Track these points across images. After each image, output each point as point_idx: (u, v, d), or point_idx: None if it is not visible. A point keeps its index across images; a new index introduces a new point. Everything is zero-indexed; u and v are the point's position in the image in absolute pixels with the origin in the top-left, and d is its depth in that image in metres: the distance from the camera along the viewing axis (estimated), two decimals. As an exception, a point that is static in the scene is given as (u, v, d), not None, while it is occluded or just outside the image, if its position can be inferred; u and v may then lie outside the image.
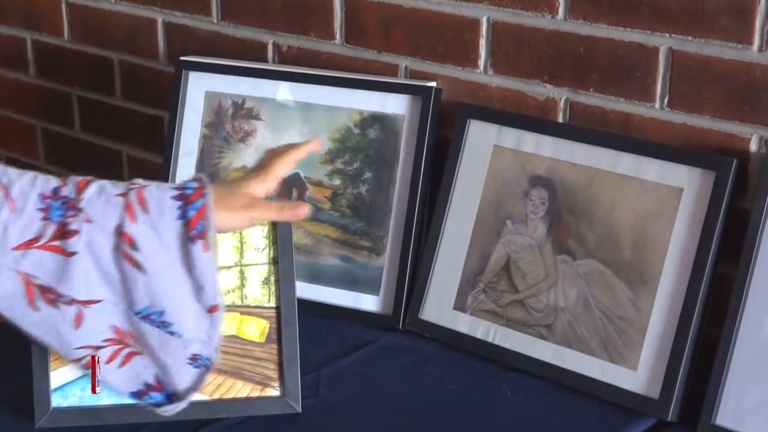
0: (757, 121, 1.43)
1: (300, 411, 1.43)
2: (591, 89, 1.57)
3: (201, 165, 1.83)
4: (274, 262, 1.45)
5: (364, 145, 1.73)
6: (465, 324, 1.61)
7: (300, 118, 1.76)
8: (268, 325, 1.45)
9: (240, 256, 1.45)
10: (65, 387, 1.40)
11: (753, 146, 1.44)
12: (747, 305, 1.39)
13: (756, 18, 1.40)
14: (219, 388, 1.43)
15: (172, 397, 1.31)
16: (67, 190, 1.26)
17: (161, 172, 1.85)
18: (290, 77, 1.77)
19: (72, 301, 1.25)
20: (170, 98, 1.85)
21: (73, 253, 1.23)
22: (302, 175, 1.75)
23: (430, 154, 1.67)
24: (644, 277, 1.47)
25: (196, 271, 1.25)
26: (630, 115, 1.54)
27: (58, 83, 2.25)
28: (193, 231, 1.24)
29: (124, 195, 1.25)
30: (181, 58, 1.86)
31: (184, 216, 1.24)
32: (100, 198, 1.25)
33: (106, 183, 1.28)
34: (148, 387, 1.31)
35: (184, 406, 1.32)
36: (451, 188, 1.65)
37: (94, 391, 1.33)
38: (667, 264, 1.46)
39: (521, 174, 1.59)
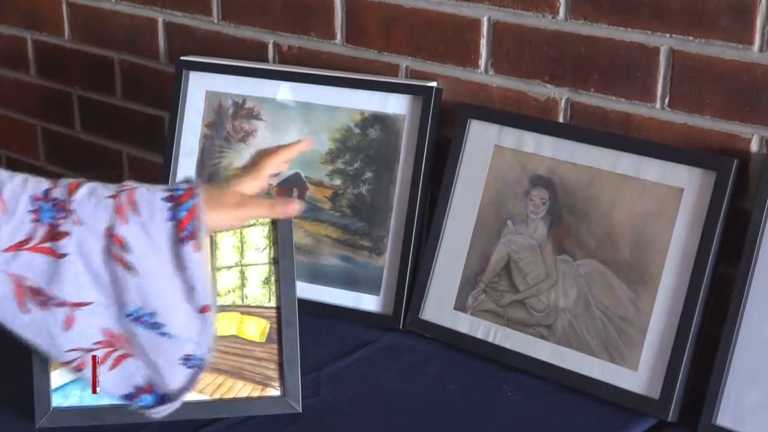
0: (758, 121, 1.43)
1: (300, 411, 1.43)
2: (592, 89, 1.57)
3: (201, 165, 1.83)
4: (275, 262, 1.45)
5: (365, 145, 1.73)
6: (465, 324, 1.61)
7: (300, 118, 1.76)
8: (269, 325, 1.45)
9: (240, 256, 1.45)
10: (66, 387, 1.40)
11: (753, 146, 1.44)
12: (747, 305, 1.39)
13: (757, 18, 1.40)
14: (219, 388, 1.43)
15: (163, 399, 1.31)
16: (58, 192, 1.25)
17: (161, 172, 1.85)
18: (291, 77, 1.77)
19: (62, 304, 1.24)
20: (171, 98, 1.85)
21: (63, 255, 1.23)
22: (303, 175, 1.75)
23: (431, 154, 1.67)
24: (645, 278, 1.47)
25: (187, 271, 1.25)
26: (631, 115, 1.54)
27: (58, 83, 2.25)
28: (183, 232, 1.24)
29: (114, 197, 1.25)
30: (182, 57, 1.86)
31: (174, 217, 1.24)
32: (91, 200, 1.25)
33: (97, 185, 1.28)
34: (139, 390, 1.31)
35: (177, 407, 1.31)
36: (452, 188, 1.65)
37: (94, 391, 1.33)
38: (667, 264, 1.46)
39: (522, 174, 1.59)
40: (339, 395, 1.49)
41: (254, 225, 1.44)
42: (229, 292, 1.44)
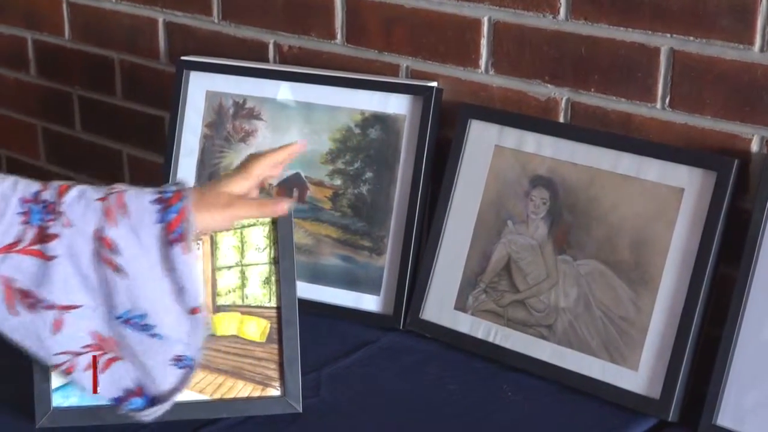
0: (758, 121, 1.43)
1: (301, 411, 1.43)
2: (592, 89, 1.57)
3: (202, 165, 1.83)
4: (275, 261, 1.45)
5: (365, 145, 1.72)
6: (466, 324, 1.61)
7: (301, 118, 1.76)
8: (269, 325, 1.45)
9: (241, 256, 1.45)
10: (66, 387, 1.40)
11: (754, 146, 1.44)
12: (748, 306, 1.39)
13: (757, 18, 1.40)
14: (220, 388, 1.43)
15: (154, 400, 1.30)
16: (48, 195, 1.25)
17: (162, 172, 1.85)
18: (291, 77, 1.77)
19: (51, 306, 1.24)
20: (171, 98, 1.85)
21: (52, 257, 1.23)
22: (303, 174, 1.75)
23: (431, 154, 1.67)
24: (645, 278, 1.47)
25: (177, 273, 1.25)
26: (631, 116, 1.54)
27: (58, 83, 2.25)
28: (172, 234, 1.24)
29: (104, 199, 1.25)
30: (182, 57, 1.86)
31: (163, 219, 1.24)
32: (80, 202, 1.25)
33: (87, 187, 1.27)
34: (129, 393, 1.30)
35: (168, 408, 1.31)
36: (452, 188, 1.65)
37: (95, 391, 1.33)
38: (667, 264, 1.46)
39: (522, 174, 1.59)
40: (339, 395, 1.49)
41: (254, 225, 1.45)
42: (230, 292, 1.44)
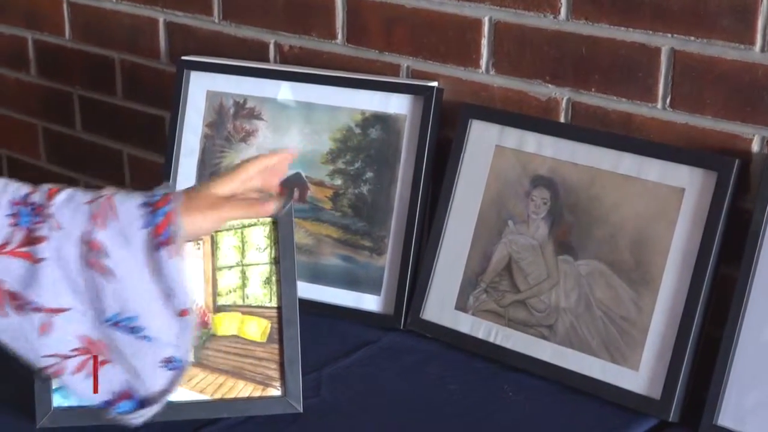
0: (759, 121, 1.43)
1: (301, 411, 1.43)
2: (593, 89, 1.57)
3: (202, 165, 1.83)
4: (276, 261, 1.45)
5: (366, 145, 1.72)
6: (466, 324, 1.61)
7: (301, 118, 1.76)
8: (270, 325, 1.45)
9: (241, 256, 1.45)
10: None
11: (755, 146, 1.44)
12: (748, 306, 1.39)
13: (758, 18, 1.40)
14: (220, 388, 1.43)
15: (143, 403, 1.30)
16: (37, 197, 1.25)
17: (162, 172, 1.85)
18: (292, 77, 1.77)
19: (39, 309, 1.24)
20: (171, 98, 1.85)
21: (40, 260, 1.23)
22: (304, 174, 1.75)
23: (432, 154, 1.67)
24: (646, 278, 1.47)
25: (164, 277, 1.24)
26: (632, 116, 1.54)
27: (59, 83, 2.25)
28: (159, 237, 1.24)
29: (92, 202, 1.25)
30: (183, 57, 1.86)
31: (150, 223, 1.24)
32: (69, 205, 1.25)
33: (76, 191, 1.27)
34: (118, 396, 1.30)
35: (157, 411, 1.31)
36: (453, 188, 1.65)
37: (95, 391, 1.33)
38: (668, 264, 1.46)
39: (523, 174, 1.59)
40: (340, 395, 1.49)
41: (255, 225, 1.45)
42: (230, 292, 1.44)
